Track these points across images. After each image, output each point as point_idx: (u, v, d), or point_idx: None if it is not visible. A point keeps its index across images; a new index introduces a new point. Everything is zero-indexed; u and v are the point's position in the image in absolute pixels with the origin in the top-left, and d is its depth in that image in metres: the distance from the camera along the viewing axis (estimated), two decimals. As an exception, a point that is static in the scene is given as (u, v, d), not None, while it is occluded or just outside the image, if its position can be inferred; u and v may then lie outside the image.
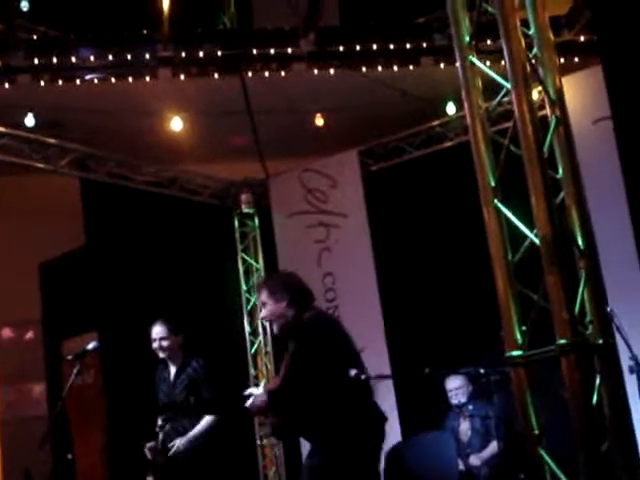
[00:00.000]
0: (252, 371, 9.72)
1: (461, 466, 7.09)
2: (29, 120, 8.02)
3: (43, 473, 6.81)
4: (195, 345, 7.43)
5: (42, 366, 9.66)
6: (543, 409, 4.10)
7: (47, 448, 6.39)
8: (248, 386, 9.48)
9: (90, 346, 6.36)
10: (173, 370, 6.63)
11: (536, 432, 3.97)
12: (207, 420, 6.33)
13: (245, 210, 10.01)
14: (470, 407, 7.49)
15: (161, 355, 6.60)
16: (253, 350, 9.82)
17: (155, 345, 6.59)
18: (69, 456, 7.03)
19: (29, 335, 10.27)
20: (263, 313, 5.43)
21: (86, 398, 8.91)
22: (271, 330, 9.57)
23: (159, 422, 6.39)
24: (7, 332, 10.32)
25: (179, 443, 6.25)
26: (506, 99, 4.54)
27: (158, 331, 6.58)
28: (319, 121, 8.79)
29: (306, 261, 9.09)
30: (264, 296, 5.36)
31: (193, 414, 6.31)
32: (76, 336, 8.61)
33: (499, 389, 6.66)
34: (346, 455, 4.84)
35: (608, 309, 5.02)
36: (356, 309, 8.70)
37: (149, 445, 6.38)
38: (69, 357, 6.55)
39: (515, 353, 4.04)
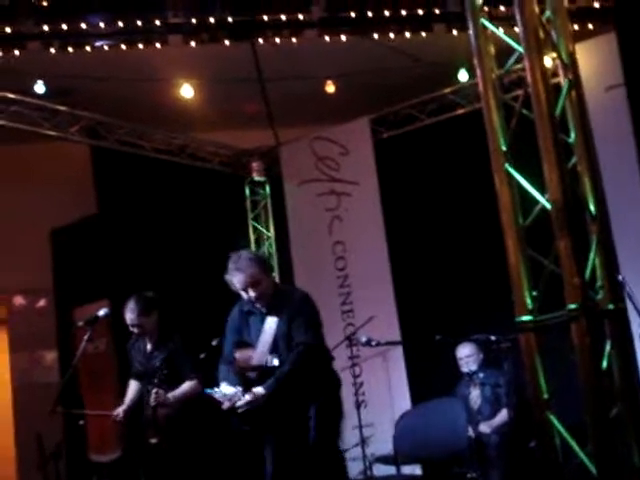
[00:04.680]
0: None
1: (471, 433, 7.08)
2: (39, 87, 8.00)
3: (55, 439, 6.84)
4: (206, 313, 7.45)
5: (54, 334, 9.67)
6: (553, 375, 4.09)
7: (59, 414, 6.41)
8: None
9: (101, 313, 6.40)
10: (149, 343, 6.51)
11: (545, 397, 3.96)
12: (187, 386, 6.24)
13: (256, 178, 9.99)
14: (481, 375, 7.47)
15: (136, 332, 6.49)
16: (264, 318, 9.82)
17: (129, 325, 6.46)
18: (80, 422, 7.06)
19: (41, 303, 10.28)
20: (259, 290, 5.41)
21: (98, 365, 8.94)
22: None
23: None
24: (19, 300, 10.35)
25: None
26: (519, 66, 4.50)
27: (128, 317, 6.39)
28: (330, 88, 8.73)
29: (317, 229, 9.10)
30: (258, 273, 5.39)
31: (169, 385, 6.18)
32: (88, 304, 8.61)
33: (510, 356, 6.66)
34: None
35: (620, 277, 5.01)
36: (367, 277, 8.70)
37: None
38: (80, 323, 6.60)
39: (525, 318, 4.03)
